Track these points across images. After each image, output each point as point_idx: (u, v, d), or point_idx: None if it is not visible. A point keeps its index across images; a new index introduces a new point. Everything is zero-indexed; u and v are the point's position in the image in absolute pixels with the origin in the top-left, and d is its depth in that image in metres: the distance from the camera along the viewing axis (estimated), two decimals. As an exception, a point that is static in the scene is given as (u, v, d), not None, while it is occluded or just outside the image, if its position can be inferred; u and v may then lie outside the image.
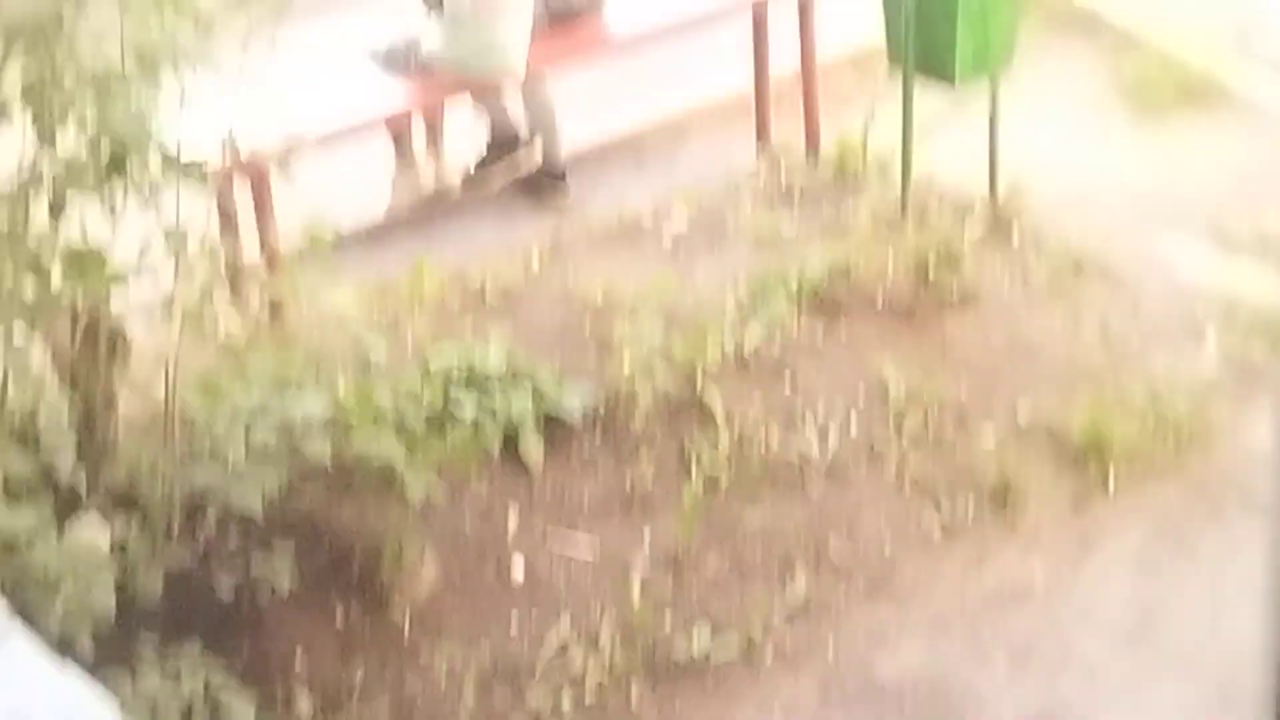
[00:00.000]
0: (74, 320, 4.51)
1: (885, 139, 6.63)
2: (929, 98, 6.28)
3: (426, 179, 6.69)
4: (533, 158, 6.76)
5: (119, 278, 4.33)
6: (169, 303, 4.59)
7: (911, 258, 6.06)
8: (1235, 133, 7.12)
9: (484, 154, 6.78)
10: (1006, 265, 6.22)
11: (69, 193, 4.06)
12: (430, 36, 6.20)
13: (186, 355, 4.79)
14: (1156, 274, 6.24)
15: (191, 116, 4.41)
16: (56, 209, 4.08)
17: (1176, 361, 5.81)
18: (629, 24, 6.58)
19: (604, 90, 7.28)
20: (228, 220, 5.64)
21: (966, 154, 6.59)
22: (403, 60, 6.24)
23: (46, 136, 4.07)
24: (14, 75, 4.06)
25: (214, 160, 4.57)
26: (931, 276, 5.99)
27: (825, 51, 7.15)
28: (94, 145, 4.05)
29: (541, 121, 6.73)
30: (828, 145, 6.88)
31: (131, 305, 4.65)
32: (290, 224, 6.00)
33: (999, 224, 6.40)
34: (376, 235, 6.55)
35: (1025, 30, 6.42)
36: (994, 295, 6.07)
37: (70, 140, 4.12)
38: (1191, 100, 7.29)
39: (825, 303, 5.93)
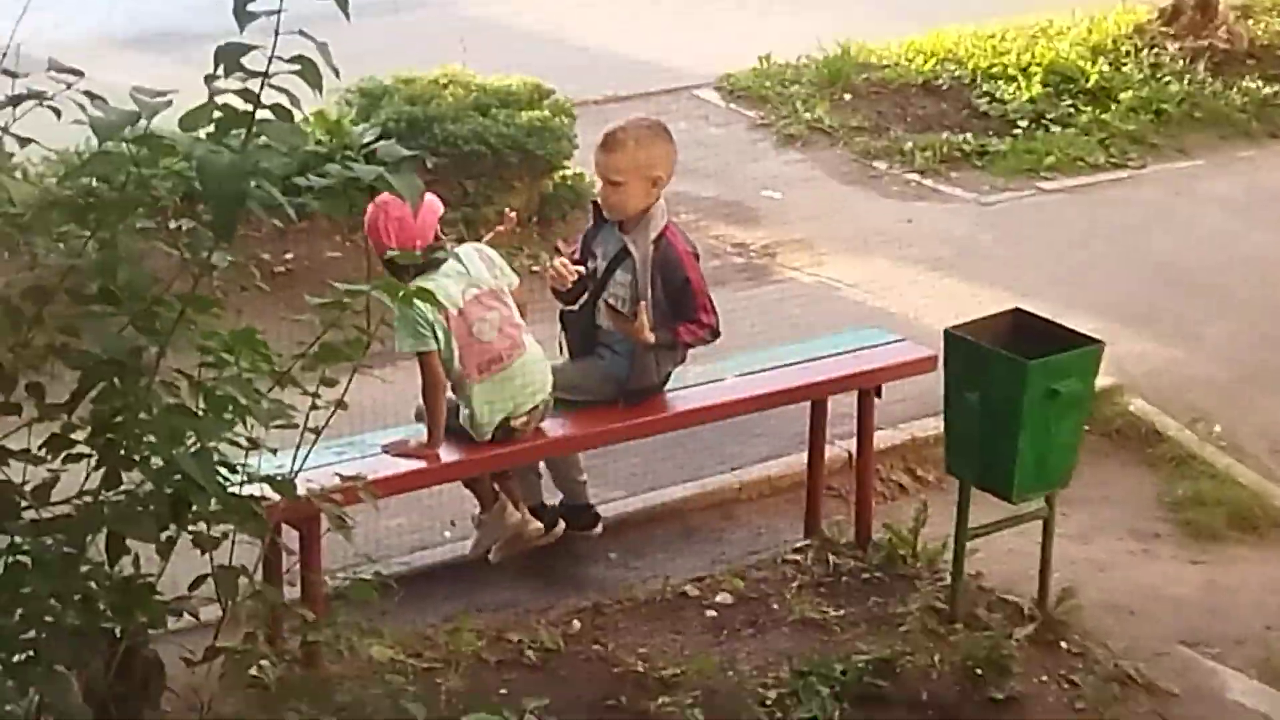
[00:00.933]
0: (113, 649, 4.46)
1: (936, 530, 6.64)
2: (984, 499, 6.28)
3: (514, 520, 6.64)
4: (556, 529, 6.73)
5: (166, 613, 4.30)
6: (210, 640, 4.56)
7: (959, 657, 5.99)
8: (1284, 562, 7.12)
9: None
10: (1054, 673, 6.15)
11: (127, 536, 4.06)
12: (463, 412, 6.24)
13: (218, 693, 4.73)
14: (1204, 696, 6.16)
15: (255, 459, 4.44)
16: (115, 551, 4.08)
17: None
18: (691, 401, 6.60)
19: (653, 459, 7.33)
20: (273, 559, 5.61)
21: (1018, 556, 6.60)
22: (454, 417, 6.24)
23: (112, 475, 4.08)
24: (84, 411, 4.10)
25: (269, 501, 4.57)
26: (978, 678, 5.91)
27: (879, 436, 7.19)
28: (158, 486, 4.05)
29: (566, 478, 6.75)
30: (878, 533, 6.86)
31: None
32: (335, 563, 6.06)
33: (1048, 629, 6.35)
34: (418, 581, 6.51)
35: (1083, 442, 6.47)
36: (1040, 702, 5.99)
37: (134, 477, 4.14)
38: (1243, 524, 7.31)
39: (868, 697, 5.85)
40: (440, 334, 6.06)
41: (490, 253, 6.33)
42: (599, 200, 6.56)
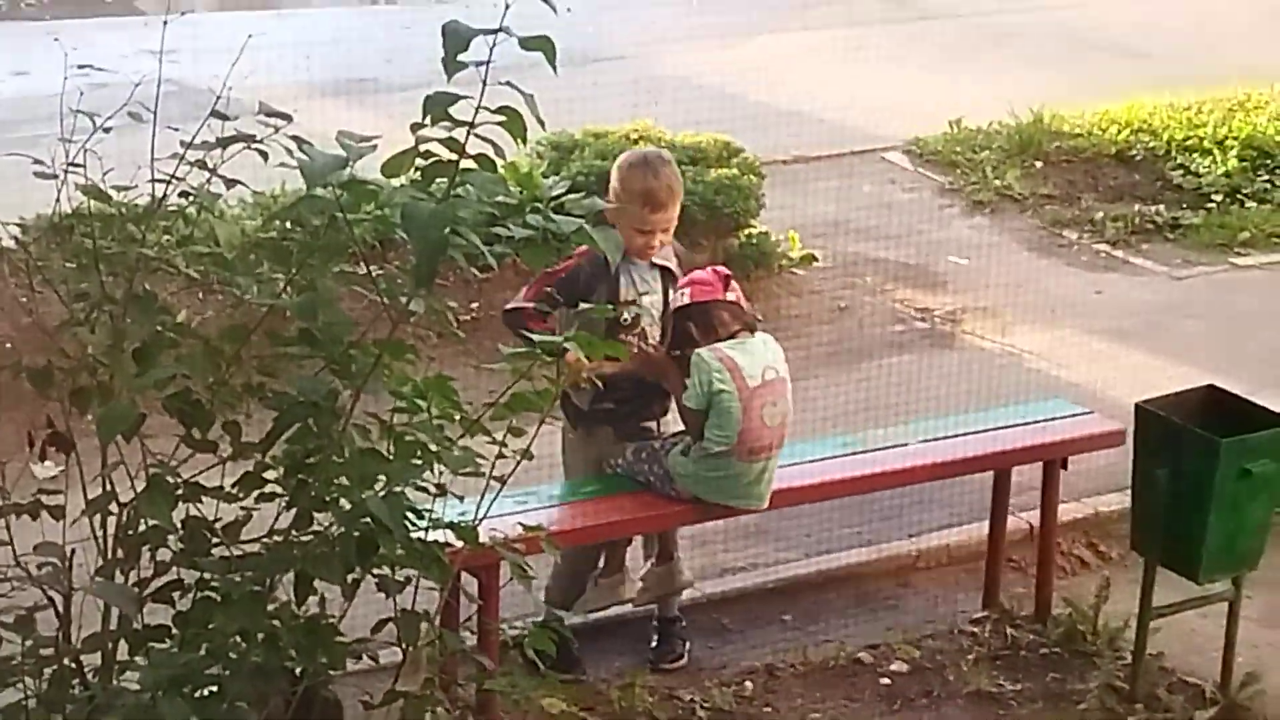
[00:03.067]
0: (293, 688, 4.50)
1: (1117, 608, 6.52)
2: (1169, 578, 6.16)
3: (629, 590, 6.61)
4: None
5: (347, 655, 4.35)
6: (386, 683, 4.58)
7: (1138, 740, 5.89)
8: None
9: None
10: (1235, 761, 6.01)
11: (316, 577, 4.11)
12: (677, 458, 6.16)
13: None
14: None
15: (439, 505, 4.47)
16: (302, 591, 4.13)
17: None
18: (873, 466, 6.54)
19: (830, 522, 7.27)
20: (453, 606, 5.64)
21: (1200, 637, 6.47)
22: (647, 464, 6.22)
23: (303, 516, 4.14)
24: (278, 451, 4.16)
25: (451, 547, 4.59)
26: (1157, 762, 5.80)
27: (1062, 509, 7.08)
28: (347, 528, 4.09)
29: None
30: (1058, 607, 6.75)
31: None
32: (511, 613, 6.08)
33: (1229, 714, 6.20)
34: (592, 635, 6.50)
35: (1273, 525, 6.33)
36: (1219, 790, 5.85)
37: (323, 519, 4.18)
38: None
39: (1044, 776, 5.76)
40: (731, 400, 5.95)
41: (779, 349, 6.23)
42: (639, 250, 6.18)
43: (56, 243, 4.55)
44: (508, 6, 3.71)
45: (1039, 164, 11.93)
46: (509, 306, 6.15)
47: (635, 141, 9.75)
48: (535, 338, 4.29)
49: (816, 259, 10.08)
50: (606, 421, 6.27)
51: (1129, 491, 6.42)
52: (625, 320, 6.13)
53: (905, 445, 6.71)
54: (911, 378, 8.55)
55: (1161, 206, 11.39)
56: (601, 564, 6.55)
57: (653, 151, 6.48)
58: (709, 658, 6.49)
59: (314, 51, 13.36)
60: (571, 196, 6.01)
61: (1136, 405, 6.17)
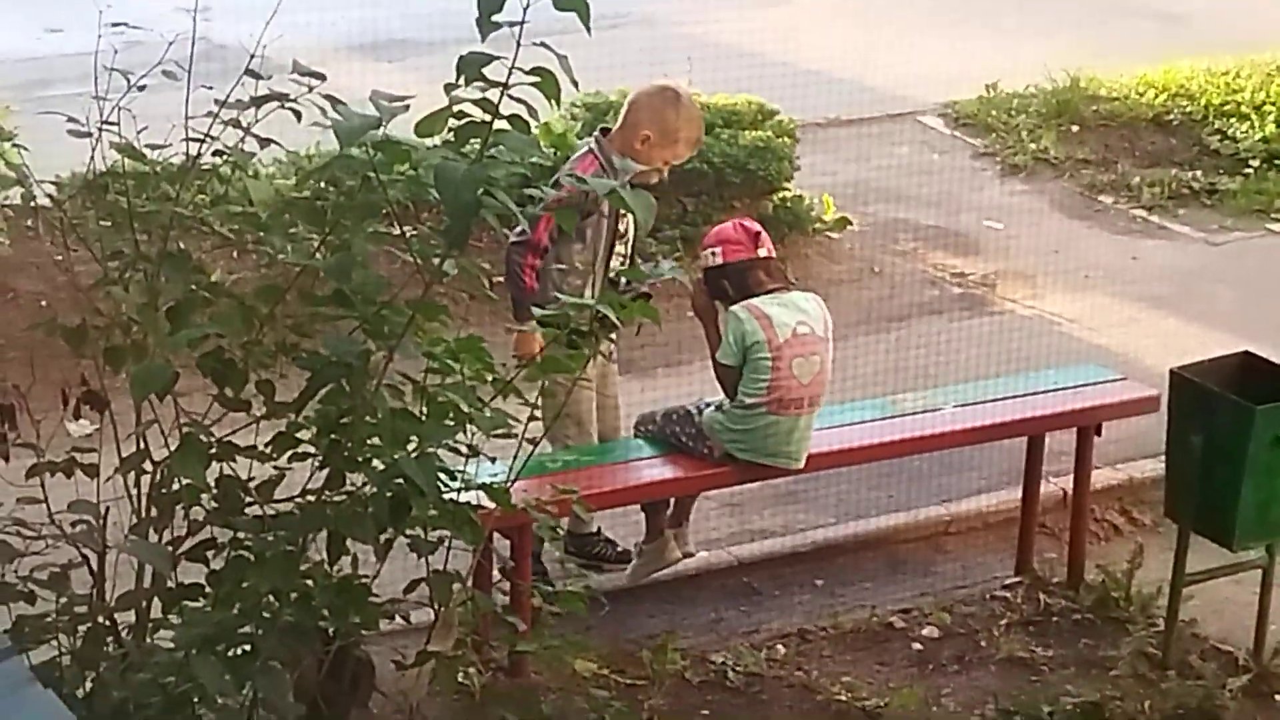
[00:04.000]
0: (326, 648, 4.51)
1: (1150, 575, 6.50)
2: (1202, 545, 6.14)
3: (673, 553, 6.61)
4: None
5: (379, 615, 4.35)
6: (418, 644, 4.60)
7: (1170, 705, 5.86)
8: None
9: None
10: (1267, 727, 6.00)
11: (348, 537, 4.11)
12: (713, 415, 6.16)
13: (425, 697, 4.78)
14: None
15: (472, 466, 4.48)
16: (335, 550, 4.13)
17: None
18: (907, 431, 6.53)
19: (862, 487, 7.26)
20: (485, 567, 5.66)
21: (1233, 605, 6.45)
22: (679, 425, 6.23)
23: (336, 475, 4.14)
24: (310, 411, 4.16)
25: (484, 508, 4.59)
26: (1189, 729, 5.79)
27: (1095, 475, 7.06)
28: (380, 488, 4.09)
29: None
30: (1090, 574, 6.73)
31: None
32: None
33: (1262, 681, 6.19)
34: (625, 596, 6.51)
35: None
36: (1251, 756, 5.84)
37: (356, 479, 4.19)
38: None
39: (1076, 742, 5.75)
40: (763, 351, 6.01)
41: (826, 311, 6.27)
42: (658, 176, 6.28)
43: (91, 201, 4.55)
44: (542, -32, 3.70)
45: (1075, 128, 11.85)
46: (516, 239, 6.05)
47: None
48: (565, 299, 4.29)
49: (850, 222, 10.04)
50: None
51: (1163, 458, 6.41)
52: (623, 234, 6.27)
53: (938, 410, 6.69)
54: (945, 342, 8.51)
55: (1198, 172, 11.32)
56: (644, 531, 6.58)
57: (673, 88, 6.47)
58: (740, 621, 6.49)
59: (348, 10, 13.33)
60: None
61: (1171, 371, 6.14)
